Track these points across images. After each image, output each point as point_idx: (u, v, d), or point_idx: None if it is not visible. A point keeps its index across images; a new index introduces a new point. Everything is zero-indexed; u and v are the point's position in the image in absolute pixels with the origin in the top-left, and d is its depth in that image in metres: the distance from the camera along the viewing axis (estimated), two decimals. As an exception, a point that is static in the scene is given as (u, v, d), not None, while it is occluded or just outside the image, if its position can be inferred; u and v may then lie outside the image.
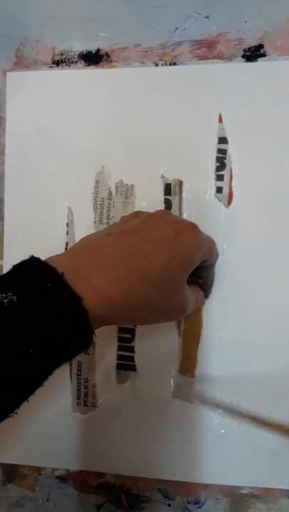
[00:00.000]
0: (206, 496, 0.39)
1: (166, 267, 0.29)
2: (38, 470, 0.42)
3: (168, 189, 0.40)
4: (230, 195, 0.39)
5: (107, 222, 0.41)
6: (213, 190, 0.40)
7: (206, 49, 0.40)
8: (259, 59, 0.39)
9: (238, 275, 0.39)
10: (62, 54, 0.43)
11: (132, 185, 0.41)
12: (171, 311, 0.32)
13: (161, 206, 0.40)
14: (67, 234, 0.42)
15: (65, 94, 0.42)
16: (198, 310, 0.39)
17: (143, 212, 0.33)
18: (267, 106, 0.39)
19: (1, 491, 0.43)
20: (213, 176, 0.40)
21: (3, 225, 0.43)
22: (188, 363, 0.39)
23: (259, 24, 0.39)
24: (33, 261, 0.26)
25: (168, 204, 0.40)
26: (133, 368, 0.40)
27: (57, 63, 0.43)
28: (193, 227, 0.32)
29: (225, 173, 0.39)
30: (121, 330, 0.41)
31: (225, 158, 0.39)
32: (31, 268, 0.26)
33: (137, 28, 0.41)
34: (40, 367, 0.25)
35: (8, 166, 0.43)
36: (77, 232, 0.42)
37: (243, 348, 0.39)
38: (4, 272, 0.42)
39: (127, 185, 0.41)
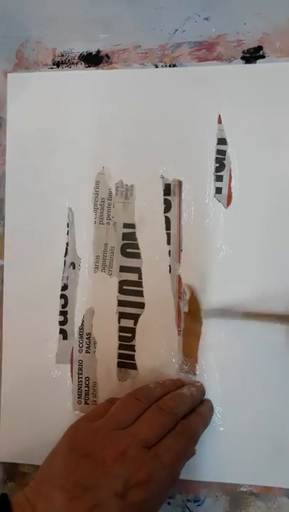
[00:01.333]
0: (206, 493, 0.40)
1: None
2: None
3: (167, 189, 0.40)
4: (230, 196, 0.40)
5: (107, 223, 0.41)
6: (213, 191, 0.40)
7: (206, 51, 0.41)
8: (258, 61, 0.40)
9: (237, 275, 0.39)
10: (62, 55, 0.43)
11: (132, 186, 0.41)
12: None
13: (161, 206, 0.40)
14: (67, 234, 0.42)
15: (66, 95, 0.42)
16: (197, 309, 0.40)
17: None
18: (266, 107, 0.39)
19: (1, 490, 0.43)
20: (213, 177, 0.40)
21: (3, 225, 0.43)
22: (189, 361, 0.40)
23: (258, 26, 0.40)
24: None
25: (167, 204, 0.40)
26: (134, 367, 0.41)
27: (57, 64, 0.43)
28: (146, 481, 0.31)
29: (224, 173, 0.40)
30: (121, 329, 0.41)
31: (224, 159, 0.40)
32: None
33: (137, 30, 0.42)
34: None
35: (9, 166, 0.43)
36: (77, 232, 0.42)
37: (243, 348, 0.39)
38: (5, 272, 0.43)
39: (126, 185, 0.41)
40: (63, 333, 0.42)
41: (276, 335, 0.39)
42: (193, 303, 0.40)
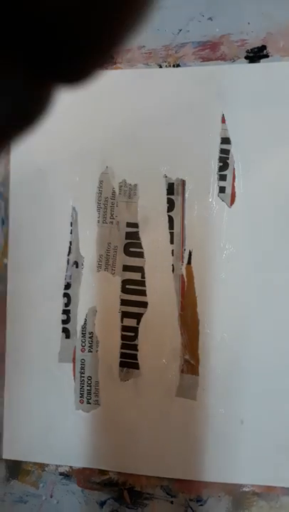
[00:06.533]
0: (208, 493, 0.40)
1: None
2: (42, 466, 0.42)
3: (171, 189, 0.40)
4: (233, 195, 0.40)
5: (111, 222, 0.41)
6: (216, 190, 0.40)
7: (210, 50, 0.41)
8: (262, 60, 0.40)
9: (241, 275, 0.39)
10: (67, 55, 0.43)
11: (136, 185, 0.41)
12: None
13: (164, 206, 0.40)
14: (71, 233, 0.42)
15: (69, 94, 0.42)
16: (194, 306, 0.40)
17: None
18: (269, 106, 0.39)
19: (4, 487, 0.43)
20: (216, 176, 0.40)
21: (8, 225, 0.43)
22: (191, 361, 0.40)
23: (262, 25, 0.40)
24: None
25: (171, 204, 0.40)
26: (136, 366, 0.41)
27: (62, 65, 0.43)
28: None
29: (228, 173, 0.40)
30: (124, 328, 0.41)
31: (228, 158, 0.40)
32: None
33: (141, 30, 0.42)
34: None
35: (13, 166, 0.43)
36: (80, 231, 0.42)
37: (245, 347, 0.39)
38: (9, 271, 0.43)
39: (130, 185, 0.41)
40: (66, 332, 0.42)
41: (278, 335, 0.39)
42: (191, 300, 0.40)
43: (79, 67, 0.10)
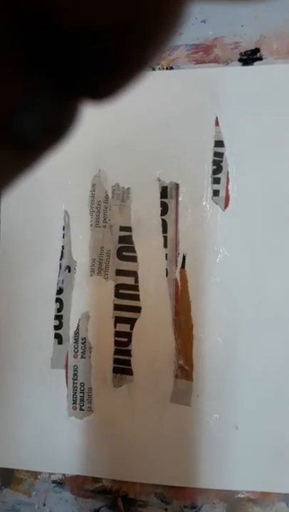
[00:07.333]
0: (203, 500, 0.39)
1: None
2: (35, 474, 0.42)
3: (164, 192, 0.40)
4: (227, 198, 0.39)
5: (104, 226, 0.41)
6: (210, 193, 0.40)
7: (203, 53, 0.40)
8: (255, 63, 0.39)
9: (235, 278, 0.39)
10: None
11: (129, 189, 0.41)
12: None
13: (158, 209, 0.40)
14: (63, 237, 0.42)
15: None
16: (188, 311, 0.39)
17: None
18: (263, 109, 0.39)
19: (-4, 496, 0.42)
20: (210, 179, 0.40)
21: (-1, 229, 0.43)
22: (185, 366, 0.39)
23: (255, 28, 0.39)
24: None
25: (164, 207, 0.40)
26: (129, 372, 0.40)
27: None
28: None
29: (221, 176, 0.39)
30: (117, 334, 0.40)
31: (221, 161, 0.39)
32: None
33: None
34: None
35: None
36: (73, 235, 0.41)
37: (240, 351, 0.39)
38: (0, 275, 0.42)
39: (123, 188, 0.41)
40: (58, 338, 0.41)
41: (272, 339, 0.38)
42: (184, 304, 0.39)
43: (106, 84, 0.10)
